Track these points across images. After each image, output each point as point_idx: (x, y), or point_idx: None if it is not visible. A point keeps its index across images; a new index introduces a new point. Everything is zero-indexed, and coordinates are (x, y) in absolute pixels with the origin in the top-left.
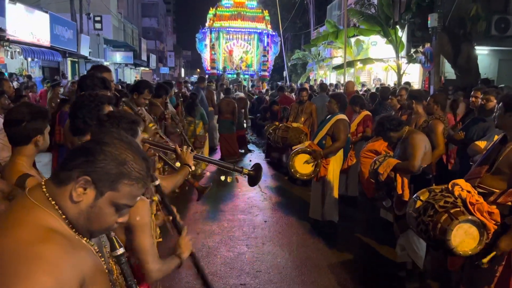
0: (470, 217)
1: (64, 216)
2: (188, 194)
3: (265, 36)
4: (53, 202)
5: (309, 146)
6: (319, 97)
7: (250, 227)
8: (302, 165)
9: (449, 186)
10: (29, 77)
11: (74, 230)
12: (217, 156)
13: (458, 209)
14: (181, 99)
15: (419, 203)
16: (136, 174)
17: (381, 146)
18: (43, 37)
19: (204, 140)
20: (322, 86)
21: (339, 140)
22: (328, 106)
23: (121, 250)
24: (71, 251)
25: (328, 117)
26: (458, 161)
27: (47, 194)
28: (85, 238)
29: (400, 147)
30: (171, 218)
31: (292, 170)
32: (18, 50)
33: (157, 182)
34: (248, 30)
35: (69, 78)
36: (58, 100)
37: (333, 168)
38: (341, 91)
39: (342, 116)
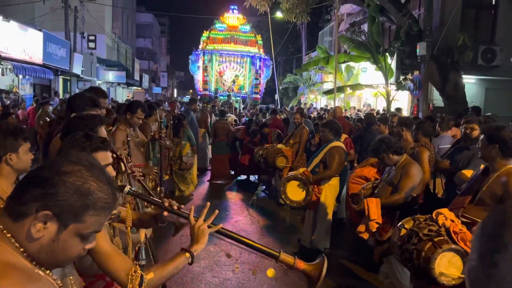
0: (453, 246)
1: (22, 250)
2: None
3: (258, 60)
4: (9, 235)
5: (302, 173)
6: (293, 121)
7: (237, 251)
8: (294, 192)
9: (433, 215)
10: (17, 94)
11: (35, 263)
12: (207, 177)
13: (442, 237)
14: (171, 122)
15: (403, 231)
16: (102, 204)
17: (370, 172)
18: (35, 54)
19: (191, 161)
20: (297, 109)
21: (331, 168)
22: (322, 135)
23: None
24: (29, 287)
25: (324, 144)
26: (444, 189)
27: (1, 227)
28: (47, 271)
29: (394, 172)
30: (165, 212)
31: (284, 197)
32: (9, 67)
33: (126, 189)
34: (241, 53)
35: (61, 96)
36: (47, 118)
37: (326, 196)
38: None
39: (337, 143)
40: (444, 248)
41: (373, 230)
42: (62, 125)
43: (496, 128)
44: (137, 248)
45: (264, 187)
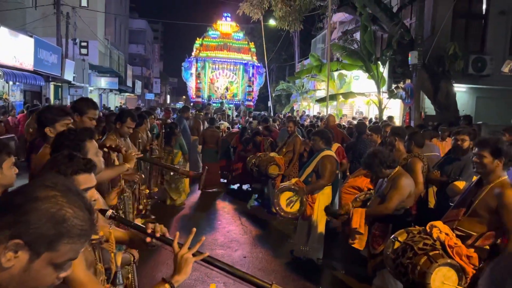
0: (449, 260)
1: None
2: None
3: (251, 67)
4: None
5: (295, 183)
6: (285, 129)
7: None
8: (287, 203)
9: (427, 227)
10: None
11: None
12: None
13: (437, 251)
14: (163, 131)
15: (397, 244)
16: (78, 231)
17: (363, 183)
18: (26, 61)
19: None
20: (289, 118)
21: (324, 177)
22: (313, 144)
23: None
24: None
25: (315, 154)
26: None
27: None
28: None
29: (386, 184)
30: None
31: (277, 209)
32: None
33: (108, 213)
34: (234, 60)
35: (52, 102)
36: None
37: (319, 205)
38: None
39: (328, 152)
40: (440, 263)
41: (353, 240)
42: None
43: (500, 141)
44: (113, 272)
45: (256, 196)
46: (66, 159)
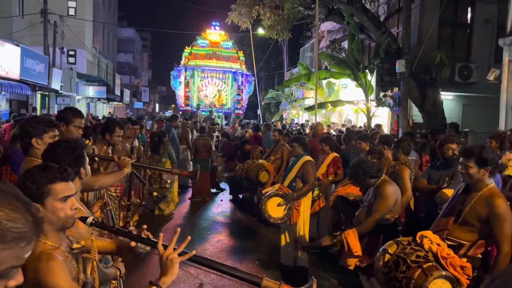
0: (444, 272)
1: None
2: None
3: (240, 76)
4: None
5: (279, 189)
6: (269, 134)
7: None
8: (275, 209)
9: (417, 238)
10: None
11: None
12: (188, 194)
13: (431, 263)
14: (147, 139)
15: (387, 257)
16: (14, 234)
17: (354, 191)
18: (12, 69)
19: (171, 179)
20: (267, 125)
21: (309, 182)
22: (292, 150)
23: None
24: None
25: (293, 159)
26: (426, 209)
27: None
28: None
29: (372, 194)
30: (132, 243)
31: (266, 215)
32: None
33: (89, 220)
34: (223, 69)
35: (38, 112)
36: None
37: (304, 209)
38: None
39: (308, 157)
40: (435, 276)
41: (357, 263)
42: (16, 143)
43: (484, 150)
44: (82, 282)
45: (246, 204)
46: (40, 169)
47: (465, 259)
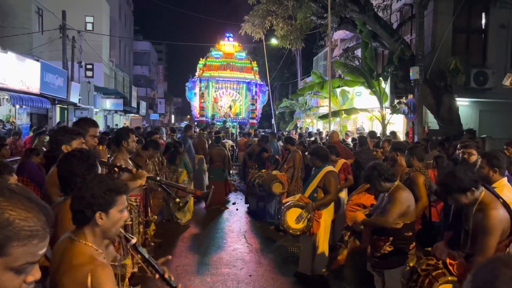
0: (449, 277)
1: None
2: (169, 246)
3: (254, 86)
4: None
5: (300, 199)
6: (270, 143)
7: (234, 282)
8: (294, 220)
9: (433, 248)
10: (13, 123)
11: None
12: (204, 203)
13: (440, 271)
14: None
15: (407, 268)
16: (27, 232)
17: (368, 200)
18: (33, 84)
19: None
20: (272, 133)
21: (331, 192)
22: (311, 164)
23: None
24: None
25: (315, 169)
26: (443, 216)
27: None
28: None
29: (387, 200)
30: (157, 275)
31: (285, 226)
32: (6, 97)
33: (133, 241)
34: (237, 80)
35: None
36: (44, 149)
37: (325, 220)
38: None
39: (330, 167)
40: (441, 281)
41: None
42: (31, 156)
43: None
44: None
45: (261, 213)
46: (111, 180)
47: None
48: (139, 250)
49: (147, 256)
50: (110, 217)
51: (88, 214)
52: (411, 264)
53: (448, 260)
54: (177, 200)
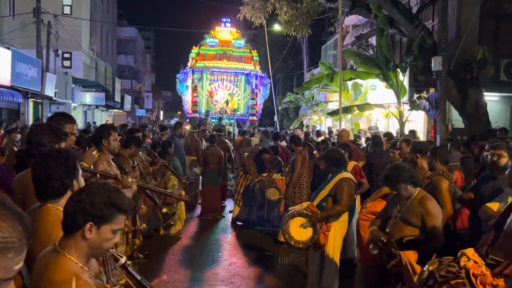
0: None
1: None
2: (158, 259)
3: (254, 78)
4: None
5: (307, 207)
6: (263, 143)
7: None
8: (298, 230)
9: (458, 256)
10: None
11: None
12: (197, 212)
13: (460, 280)
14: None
15: (425, 273)
16: (0, 244)
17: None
18: (2, 75)
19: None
20: (265, 133)
21: (341, 202)
22: (325, 169)
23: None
24: None
25: (329, 176)
26: (469, 225)
27: None
28: None
29: (408, 208)
30: None
31: (286, 236)
32: None
33: (122, 260)
34: (235, 71)
35: (31, 121)
36: (14, 148)
37: (335, 234)
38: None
39: (346, 174)
40: None
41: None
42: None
43: None
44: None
45: (262, 222)
46: (116, 193)
47: (502, 279)
48: (130, 271)
49: (139, 277)
50: (100, 233)
51: (79, 220)
52: (430, 268)
53: (471, 271)
54: (164, 210)
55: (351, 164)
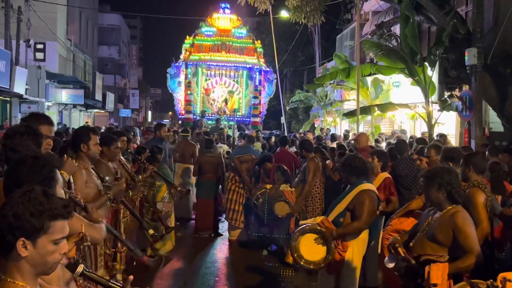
0: None
1: None
2: (145, 285)
3: (257, 73)
4: None
5: (321, 222)
6: (241, 149)
7: None
8: (310, 249)
9: (498, 281)
10: None
11: None
12: (190, 229)
13: None
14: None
15: None
16: None
17: (411, 225)
18: None
19: (169, 209)
20: (250, 138)
21: (361, 218)
22: (344, 179)
23: None
24: None
25: (348, 187)
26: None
27: None
28: None
29: (437, 223)
30: None
31: (296, 255)
32: None
33: (80, 270)
34: (235, 65)
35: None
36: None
37: (352, 255)
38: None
39: (367, 186)
40: None
41: None
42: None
43: None
44: None
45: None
46: (44, 198)
47: None
48: (91, 277)
49: (107, 281)
50: (39, 248)
51: (8, 238)
52: None
53: None
54: (151, 231)
55: (382, 176)
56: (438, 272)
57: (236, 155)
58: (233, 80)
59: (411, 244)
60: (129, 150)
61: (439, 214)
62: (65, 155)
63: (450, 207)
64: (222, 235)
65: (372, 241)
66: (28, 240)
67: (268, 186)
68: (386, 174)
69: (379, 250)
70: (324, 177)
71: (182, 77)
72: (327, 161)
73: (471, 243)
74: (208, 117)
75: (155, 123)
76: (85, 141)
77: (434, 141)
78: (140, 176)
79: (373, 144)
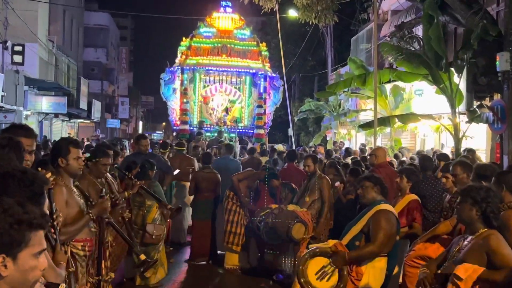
0: None
1: None
2: None
3: (262, 79)
4: None
5: (334, 246)
6: (222, 159)
7: None
8: (319, 275)
9: None
10: None
11: None
12: (185, 255)
13: None
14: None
15: None
16: None
17: (437, 251)
18: None
19: (161, 232)
20: (228, 146)
21: (375, 241)
22: (362, 193)
23: None
24: None
25: (366, 207)
26: None
27: None
28: None
29: (470, 247)
30: None
31: (303, 281)
32: None
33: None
34: (237, 69)
35: None
36: None
37: (368, 284)
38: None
39: (385, 206)
40: None
41: None
42: None
43: None
44: None
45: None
46: (19, 207)
47: None
48: None
49: None
50: (20, 264)
51: None
52: None
53: None
54: (142, 257)
55: (408, 198)
56: (469, 270)
57: (215, 167)
58: (235, 87)
59: (439, 271)
60: (115, 165)
61: (470, 238)
62: (39, 169)
63: (484, 230)
64: (220, 262)
65: (391, 272)
66: (8, 256)
67: (274, 206)
68: (413, 196)
69: (400, 280)
70: (333, 197)
71: (177, 84)
72: (336, 183)
73: (509, 261)
74: (206, 129)
75: (147, 134)
76: (63, 155)
77: (460, 157)
78: (126, 193)
79: (392, 159)
